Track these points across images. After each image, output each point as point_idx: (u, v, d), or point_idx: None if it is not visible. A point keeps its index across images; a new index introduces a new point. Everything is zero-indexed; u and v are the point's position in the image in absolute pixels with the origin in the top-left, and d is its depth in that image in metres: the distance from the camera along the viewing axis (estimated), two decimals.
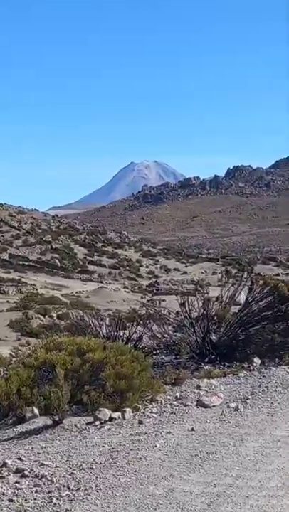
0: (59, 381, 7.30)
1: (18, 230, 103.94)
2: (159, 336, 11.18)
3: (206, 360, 10.07)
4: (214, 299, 11.39)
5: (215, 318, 10.49)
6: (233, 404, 7.66)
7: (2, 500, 5.39)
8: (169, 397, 8.09)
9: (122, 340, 10.17)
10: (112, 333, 10.74)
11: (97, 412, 7.25)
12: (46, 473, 5.80)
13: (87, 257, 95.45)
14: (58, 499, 5.26)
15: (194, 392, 8.25)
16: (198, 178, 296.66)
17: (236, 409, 7.51)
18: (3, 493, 5.49)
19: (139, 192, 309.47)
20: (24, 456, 6.30)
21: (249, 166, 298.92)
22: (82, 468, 5.84)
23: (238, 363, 9.79)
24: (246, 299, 10.81)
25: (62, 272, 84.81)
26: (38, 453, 6.39)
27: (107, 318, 12.93)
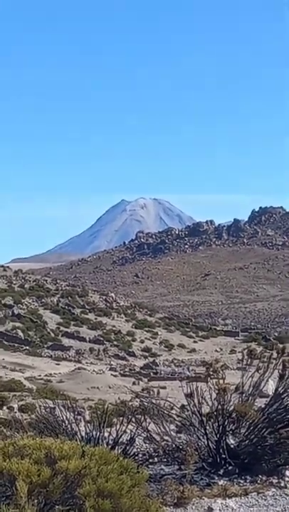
0: (20, 499, 7.26)
1: None
2: (158, 438, 11.08)
3: (221, 472, 9.99)
4: (233, 387, 11.35)
5: (234, 415, 10.42)
6: None
7: None
8: None
9: (107, 444, 10.10)
10: (94, 432, 10.66)
11: None
12: None
13: (61, 328, 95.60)
14: None
15: None
16: (212, 222, 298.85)
17: None
18: None
19: (132, 240, 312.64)
20: None
21: (281, 207, 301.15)
22: None
23: (264, 478, 9.71)
24: (276, 389, 10.79)
25: (27, 348, 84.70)
26: None
27: (87, 412, 12.86)
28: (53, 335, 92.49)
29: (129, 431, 11.00)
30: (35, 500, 7.40)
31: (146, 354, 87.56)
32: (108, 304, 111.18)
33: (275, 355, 11.98)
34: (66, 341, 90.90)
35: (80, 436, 10.45)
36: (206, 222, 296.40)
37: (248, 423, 10.36)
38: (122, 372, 72.00)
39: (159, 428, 11.44)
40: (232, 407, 10.45)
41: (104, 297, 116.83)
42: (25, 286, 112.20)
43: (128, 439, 10.69)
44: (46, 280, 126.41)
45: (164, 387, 53.35)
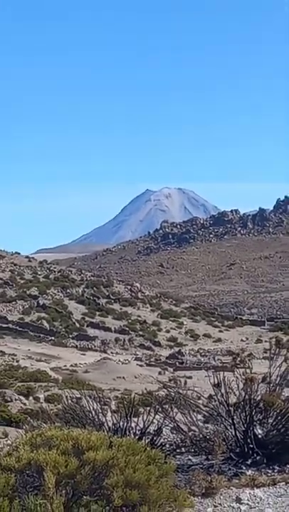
0: (48, 490, 7.27)
1: None
2: (185, 428, 11.06)
3: (249, 462, 9.96)
4: (260, 377, 11.30)
5: (261, 404, 10.39)
6: None
7: None
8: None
9: (134, 434, 10.09)
10: (121, 423, 10.65)
11: None
12: None
13: (87, 318, 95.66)
14: None
15: (233, 508, 8.18)
16: (237, 211, 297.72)
17: None
18: None
19: (157, 230, 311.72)
20: None
21: None
22: None
23: None
24: None
25: (53, 338, 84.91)
26: None
27: (113, 402, 12.83)
28: (78, 325, 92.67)
29: (156, 421, 10.99)
30: (63, 491, 7.40)
31: (172, 344, 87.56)
32: (133, 294, 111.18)
33: None
34: (91, 331, 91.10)
35: (106, 427, 10.45)
36: (231, 211, 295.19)
37: (275, 413, 10.34)
38: (147, 362, 72.06)
39: (186, 418, 11.42)
40: (259, 397, 10.43)
41: (129, 287, 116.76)
42: (50, 276, 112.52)
43: (155, 429, 10.68)
44: (71, 271, 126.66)
45: (190, 377, 53.37)
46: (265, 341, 75.86)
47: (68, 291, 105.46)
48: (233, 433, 10.30)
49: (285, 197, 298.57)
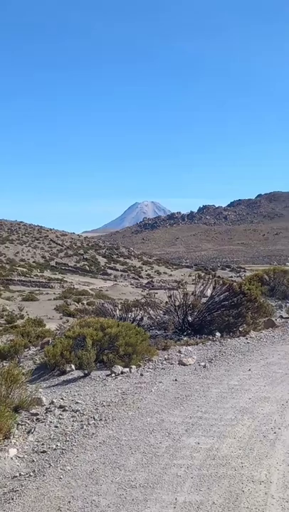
0: (88, 347, 7.27)
1: (62, 246, 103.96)
2: (154, 317, 11.10)
3: (185, 334, 10.01)
4: (190, 293, 11.32)
5: (191, 306, 10.42)
6: (202, 363, 7.62)
7: (50, 427, 5.36)
8: (160, 358, 8.05)
9: (130, 321, 10.13)
10: (123, 315, 10.68)
11: (113, 367, 7.22)
12: (79, 409, 5.77)
13: (107, 265, 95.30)
14: (87, 426, 5.23)
15: (177, 355, 8.21)
16: (180, 212, 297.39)
17: (204, 366, 7.48)
18: (51, 422, 5.46)
19: (140, 222, 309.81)
20: (65, 397, 6.26)
21: (213, 205, 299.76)
22: (103, 405, 5.81)
23: (205, 336, 9.73)
24: (211, 293, 10.78)
25: (90, 274, 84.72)
26: (74, 395, 6.35)
27: (119, 305, 12.83)
28: (102, 268, 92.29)
29: (140, 314, 11.02)
30: (95, 348, 7.44)
31: (148, 277, 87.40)
32: (129, 253, 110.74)
33: (210, 277, 11.93)
34: (109, 271, 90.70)
35: (116, 317, 10.46)
36: (177, 212, 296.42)
37: (197, 310, 10.38)
38: (136, 286, 72.18)
39: (155, 312, 11.47)
40: (190, 302, 10.46)
41: (127, 250, 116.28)
42: (89, 244, 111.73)
43: (139, 318, 10.71)
44: (99, 241, 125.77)
45: (156, 293, 53.52)
46: (192, 276, 75.94)
47: (98, 251, 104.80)
48: (177, 319, 10.34)
49: (203, 205, 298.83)
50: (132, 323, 9.50)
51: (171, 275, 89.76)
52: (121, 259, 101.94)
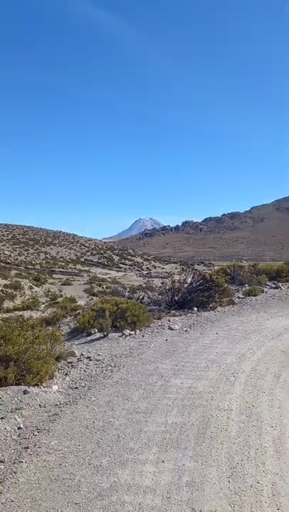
0: (106, 317, 7.26)
1: (88, 248, 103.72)
2: (151, 297, 11.06)
3: (172, 308, 9.98)
4: (176, 280, 11.28)
5: (177, 289, 10.38)
6: (185, 329, 7.60)
7: (80, 371, 5.36)
8: (155, 325, 8.01)
9: (136, 299, 10.10)
10: (130, 295, 10.64)
11: (124, 331, 7.19)
12: (100, 359, 5.76)
13: (119, 261, 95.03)
14: (105, 371, 5.22)
15: (167, 323, 8.17)
16: (169, 225, 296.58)
17: (186, 331, 7.45)
18: (81, 368, 5.45)
19: (142, 231, 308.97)
20: (90, 351, 6.24)
21: (192, 220, 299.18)
22: (116, 357, 5.80)
23: (187, 310, 9.69)
24: (190, 281, 10.75)
25: (108, 267, 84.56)
26: (97, 349, 6.33)
27: (128, 288, 12.79)
28: (116, 263, 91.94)
29: (142, 295, 10.99)
30: (111, 317, 7.42)
31: (147, 270, 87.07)
32: (135, 253, 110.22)
33: (190, 270, 11.88)
34: (121, 265, 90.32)
35: (126, 296, 10.42)
36: (167, 225, 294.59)
37: (181, 292, 10.35)
38: (139, 275, 71.99)
39: (152, 293, 11.43)
40: (177, 286, 10.42)
41: (133, 251, 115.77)
42: (107, 247, 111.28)
43: (141, 297, 10.68)
44: (114, 245, 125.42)
45: (153, 280, 53.35)
46: (178, 269, 75.72)
47: (113, 252, 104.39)
48: (167, 298, 10.29)
49: (184, 220, 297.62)
50: (137, 301, 9.48)
51: (163, 268, 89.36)
52: (129, 257, 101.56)
